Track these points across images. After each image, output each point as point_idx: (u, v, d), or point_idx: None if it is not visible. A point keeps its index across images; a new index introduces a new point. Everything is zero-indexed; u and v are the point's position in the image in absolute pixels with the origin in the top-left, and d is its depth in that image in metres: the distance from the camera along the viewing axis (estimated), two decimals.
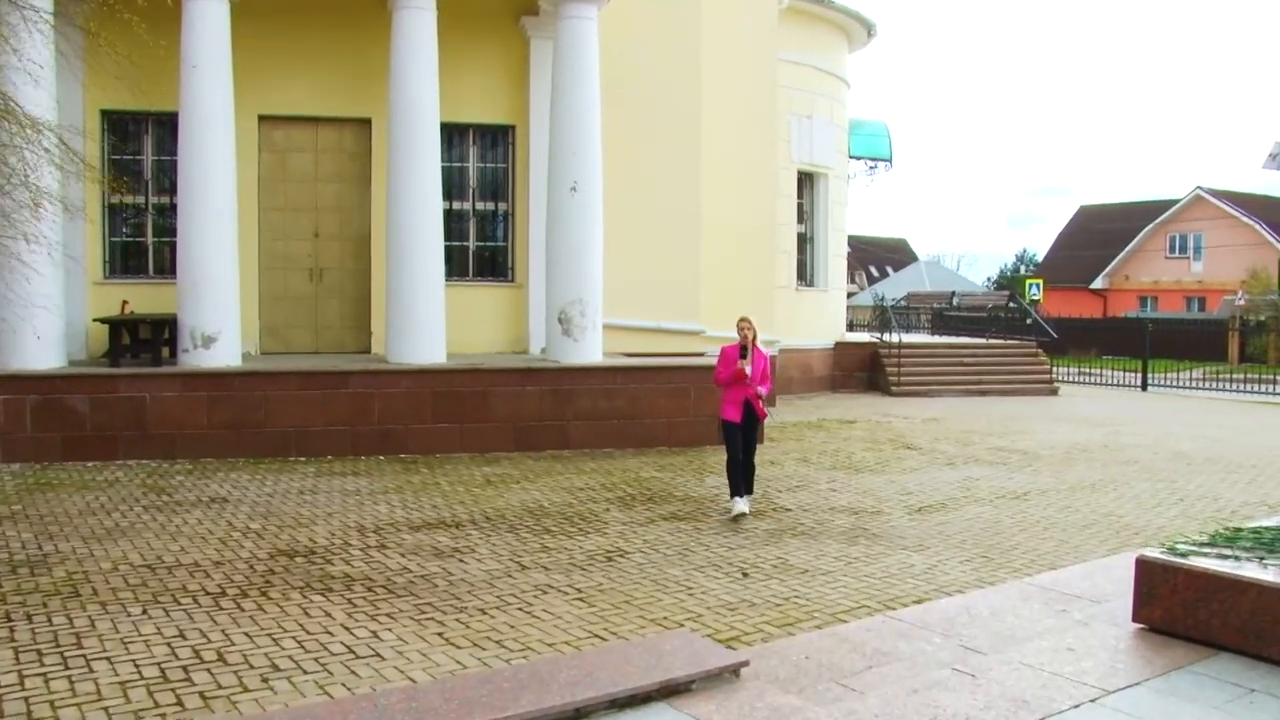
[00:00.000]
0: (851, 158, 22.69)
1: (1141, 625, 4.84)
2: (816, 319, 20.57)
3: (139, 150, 14.31)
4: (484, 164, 15.19)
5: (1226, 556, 4.67)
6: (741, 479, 8.96)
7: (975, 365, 21.95)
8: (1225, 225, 45.44)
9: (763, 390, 8.91)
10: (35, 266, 10.70)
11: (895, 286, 48.23)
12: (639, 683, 3.81)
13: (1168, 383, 24.51)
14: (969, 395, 20.52)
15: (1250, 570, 4.47)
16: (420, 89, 12.66)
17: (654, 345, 14.86)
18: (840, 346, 21.29)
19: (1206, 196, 46.72)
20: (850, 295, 41.63)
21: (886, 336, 21.86)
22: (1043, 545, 8.10)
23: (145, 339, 12.48)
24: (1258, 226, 44.15)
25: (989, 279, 66.33)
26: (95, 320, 12.92)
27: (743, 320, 8.82)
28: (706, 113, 15.68)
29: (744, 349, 8.73)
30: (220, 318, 12.13)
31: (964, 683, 4.20)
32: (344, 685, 5.13)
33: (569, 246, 13.06)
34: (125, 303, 13.47)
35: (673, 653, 4.08)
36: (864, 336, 23.41)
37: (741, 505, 8.87)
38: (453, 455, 12.10)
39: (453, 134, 14.76)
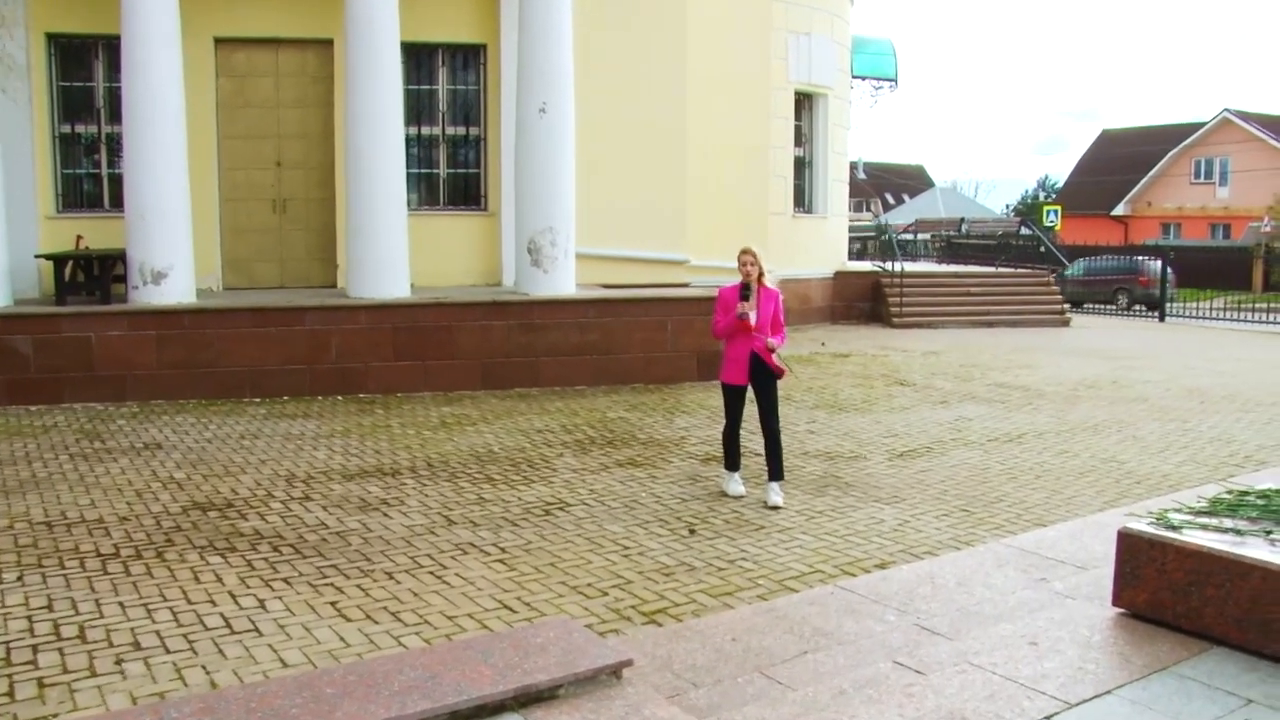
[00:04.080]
0: (855, 78, 21.50)
1: (1123, 610, 4.03)
2: (815, 247, 19.57)
3: (90, 77, 13.49)
4: (455, 86, 14.26)
5: (1227, 530, 3.84)
6: (737, 454, 7.35)
7: (982, 295, 20.98)
8: (1254, 149, 43.62)
9: (775, 342, 7.00)
10: None
11: (909, 214, 46.76)
12: (489, 690, 3.12)
13: (1187, 313, 23.54)
14: (975, 327, 19.61)
15: (1255, 549, 3.63)
16: (377, 3, 11.74)
17: (635, 276, 14.02)
18: (840, 276, 20.33)
19: (1234, 119, 44.81)
20: (861, 223, 40.39)
21: (888, 265, 20.87)
22: (1031, 496, 7.32)
23: (96, 275, 11.81)
24: None
25: (1008, 206, 64.80)
26: (38, 256, 12.21)
27: (744, 253, 6.92)
28: (693, 27, 14.66)
29: (745, 289, 6.90)
30: (171, 252, 11.40)
31: (898, 684, 3.46)
32: (204, 668, 4.49)
33: (538, 171, 12.18)
34: (80, 237, 12.79)
35: (542, 648, 3.37)
36: (866, 265, 22.43)
37: (738, 485, 7.28)
38: (415, 394, 11.42)
39: (420, 54, 13.89)
